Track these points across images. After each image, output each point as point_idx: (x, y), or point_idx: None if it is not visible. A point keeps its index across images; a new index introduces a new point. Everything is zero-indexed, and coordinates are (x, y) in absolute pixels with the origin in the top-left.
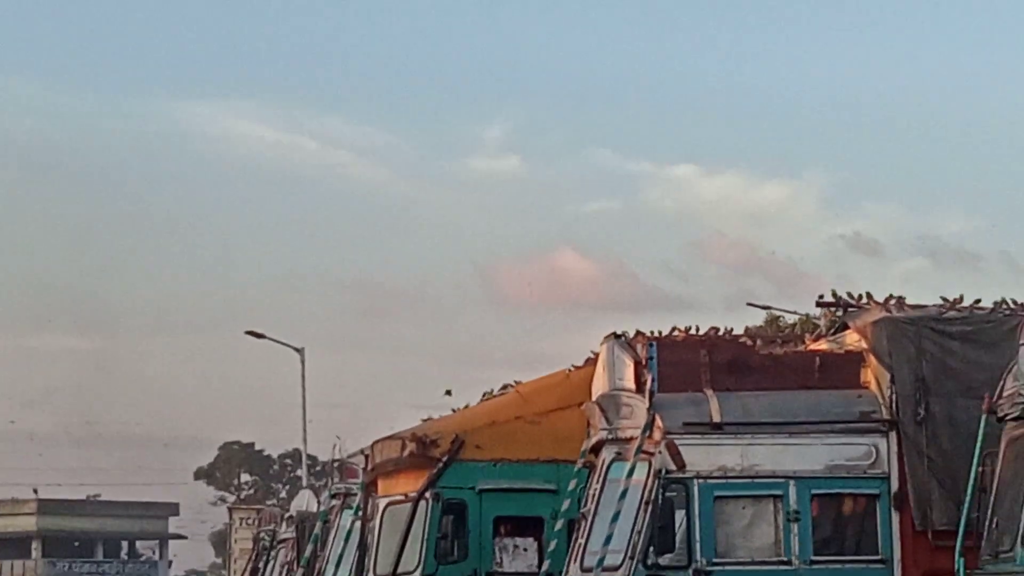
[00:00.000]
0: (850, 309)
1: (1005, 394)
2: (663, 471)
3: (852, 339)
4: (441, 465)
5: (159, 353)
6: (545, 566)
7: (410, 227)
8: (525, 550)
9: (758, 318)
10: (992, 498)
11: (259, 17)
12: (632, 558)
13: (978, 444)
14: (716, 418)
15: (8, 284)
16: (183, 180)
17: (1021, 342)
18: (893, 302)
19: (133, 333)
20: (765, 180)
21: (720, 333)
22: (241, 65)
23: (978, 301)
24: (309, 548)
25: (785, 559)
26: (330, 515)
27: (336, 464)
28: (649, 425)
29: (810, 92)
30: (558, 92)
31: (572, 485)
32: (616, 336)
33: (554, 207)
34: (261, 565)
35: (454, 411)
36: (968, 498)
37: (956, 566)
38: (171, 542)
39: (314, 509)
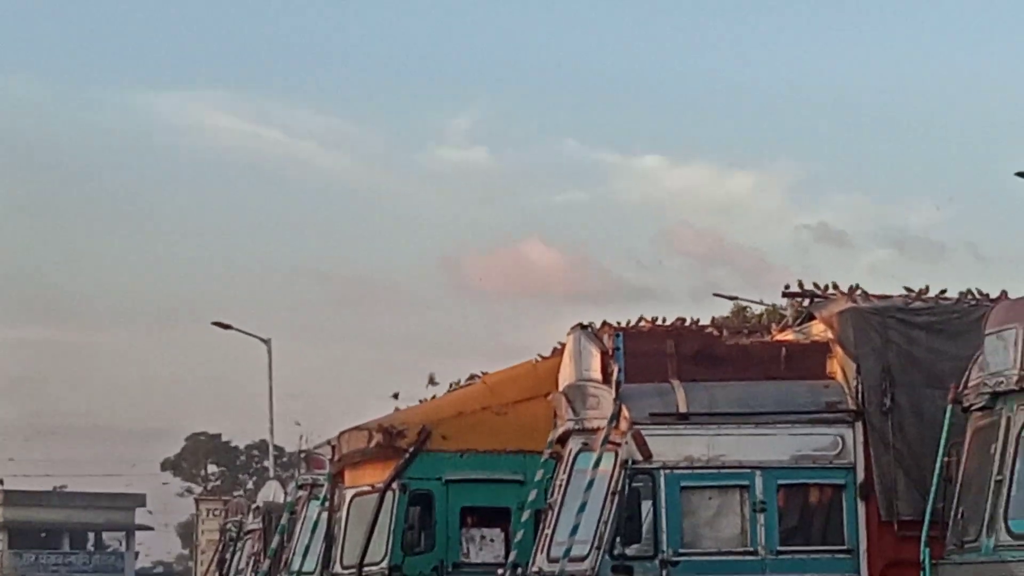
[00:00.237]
0: (816, 300)
1: (971, 384)
2: (629, 461)
3: (818, 329)
4: (408, 456)
5: (125, 344)
6: (512, 557)
7: (377, 218)
8: (492, 541)
9: (725, 309)
10: (957, 488)
11: (226, 8)
12: (599, 549)
13: (944, 434)
14: (682, 408)
15: None
16: (148, 170)
17: (986, 332)
18: (859, 293)
19: (99, 324)
20: (732, 171)
21: (687, 324)
22: (207, 55)
23: (944, 292)
24: (276, 539)
25: (751, 549)
26: (297, 506)
27: (303, 455)
28: (615, 415)
29: (777, 83)
30: (525, 83)
31: (539, 476)
32: (583, 327)
33: (521, 198)
34: (228, 556)
35: (421, 402)
36: (934, 488)
37: (921, 556)
38: (138, 533)
39: (281, 500)
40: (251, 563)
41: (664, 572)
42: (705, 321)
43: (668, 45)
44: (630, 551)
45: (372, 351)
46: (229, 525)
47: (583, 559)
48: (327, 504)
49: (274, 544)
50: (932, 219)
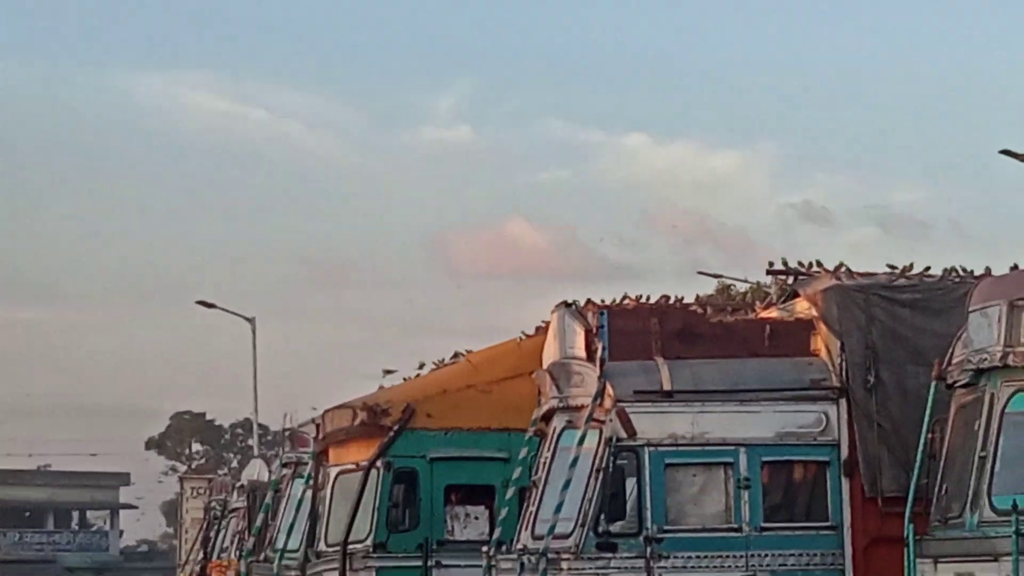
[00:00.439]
0: (800, 277)
1: (954, 361)
2: (614, 439)
3: (802, 307)
4: (392, 434)
5: (109, 323)
6: (496, 534)
7: (361, 197)
8: (476, 518)
9: (709, 287)
10: (941, 465)
11: None
12: (583, 526)
13: (927, 411)
14: (667, 386)
15: None
16: (131, 150)
17: (970, 309)
18: (843, 270)
19: (83, 303)
20: (716, 149)
21: (671, 302)
22: (190, 36)
23: (928, 269)
24: (260, 517)
25: (735, 526)
26: (281, 484)
27: (287, 433)
28: (600, 393)
29: (762, 61)
30: (509, 62)
31: (523, 453)
32: (567, 305)
33: (505, 177)
34: (212, 534)
35: (405, 380)
36: (917, 465)
37: (905, 532)
38: (122, 512)
39: (265, 478)
40: (235, 541)
41: (648, 549)
42: (689, 299)
43: (652, 24)
44: (614, 528)
45: (356, 330)
46: (213, 504)
47: (567, 536)
48: (311, 482)
49: (258, 522)
50: (915, 197)
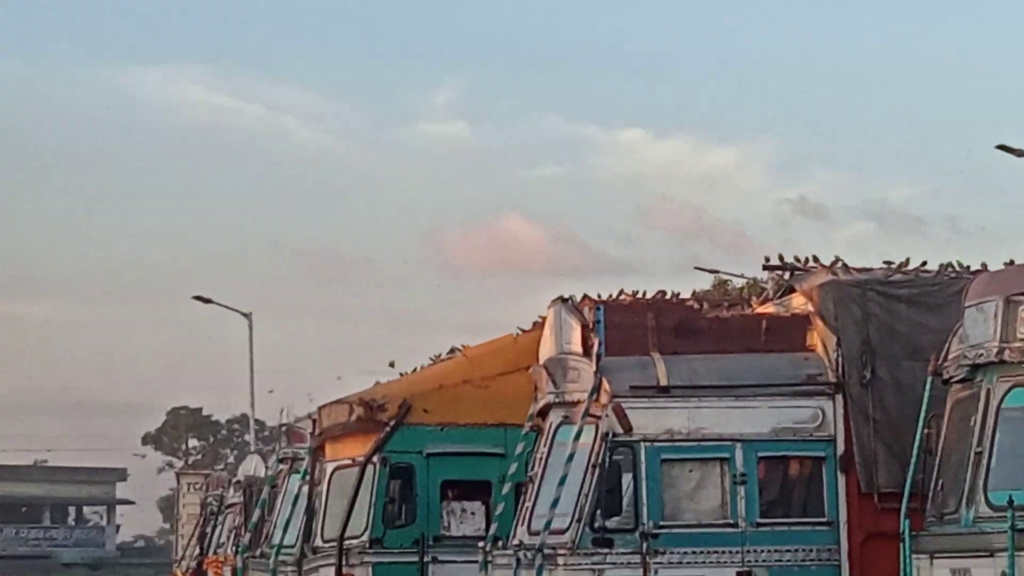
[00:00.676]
0: (797, 273)
1: (951, 356)
2: (610, 434)
3: (798, 302)
4: (388, 429)
5: (106, 318)
6: (493, 529)
7: (358, 193)
8: (473, 514)
9: (705, 282)
10: (937, 460)
11: None
12: (579, 521)
13: (924, 406)
14: (663, 381)
15: None
16: (129, 146)
17: (966, 305)
18: (839, 266)
19: (80, 298)
20: (713, 145)
21: (667, 297)
22: (188, 31)
23: (924, 264)
24: (257, 513)
25: (731, 521)
26: (278, 480)
27: (284, 429)
28: (596, 388)
29: (758, 58)
30: (506, 57)
31: (519, 449)
32: (563, 300)
33: (502, 172)
34: (209, 530)
35: (402, 375)
36: (913, 460)
37: (901, 528)
38: (119, 507)
39: (262, 474)
40: (232, 537)
41: (644, 544)
42: (686, 294)
43: (649, 20)
44: (611, 524)
45: (352, 325)
46: (210, 499)
47: (564, 532)
48: (308, 478)
49: (255, 518)
50: (911, 192)
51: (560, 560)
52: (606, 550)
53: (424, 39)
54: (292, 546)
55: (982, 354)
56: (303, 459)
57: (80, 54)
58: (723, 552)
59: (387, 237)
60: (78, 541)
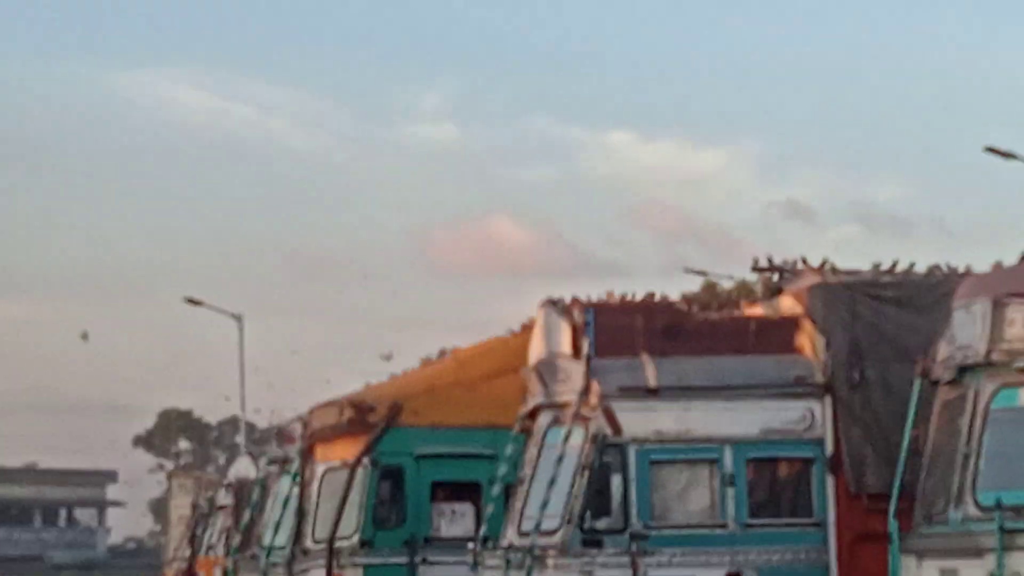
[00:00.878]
0: (785, 275)
1: (939, 358)
2: (600, 436)
3: (787, 304)
4: (378, 431)
5: (96, 320)
6: (482, 531)
7: (347, 194)
8: (463, 515)
9: (694, 284)
10: (926, 461)
11: None
12: (569, 522)
13: (912, 408)
14: (652, 383)
15: None
16: (120, 147)
17: (954, 306)
18: (828, 267)
19: (71, 300)
20: (701, 147)
21: (656, 299)
22: (178, 32)
23: (912, 266)
24: (247, 514)
25: (721, 523)
26: (268, 481)
27: (274, 430)
28: (585, 390)
29: (746, 60)
30: (495, 59)
31: (509, 450)
32: (553, 302)
33: (491, 174)
34: (199, 532)
35: (392, 377)
36: (902, 461)
37: (890, 529)
38: (110, 509)
39: (252, 475)
40: (223, 538)
41: (634, 546)
42: (675, 296)
43: (637, 22)
44: (600, 525)
45: (343, 327)
46: (201, 501)
47: (553, 533)
48: (298, 479)
49: (245, 519)
50: (899, 194)
51: (550, 561)
52: (596, 551)
53: (413, 41)
54: (283, 548)
55: (970, 355)
56: (293, 461)
57: (70, 56)
58: (712, 553)
59: (377, 238)
60: (69, 543)
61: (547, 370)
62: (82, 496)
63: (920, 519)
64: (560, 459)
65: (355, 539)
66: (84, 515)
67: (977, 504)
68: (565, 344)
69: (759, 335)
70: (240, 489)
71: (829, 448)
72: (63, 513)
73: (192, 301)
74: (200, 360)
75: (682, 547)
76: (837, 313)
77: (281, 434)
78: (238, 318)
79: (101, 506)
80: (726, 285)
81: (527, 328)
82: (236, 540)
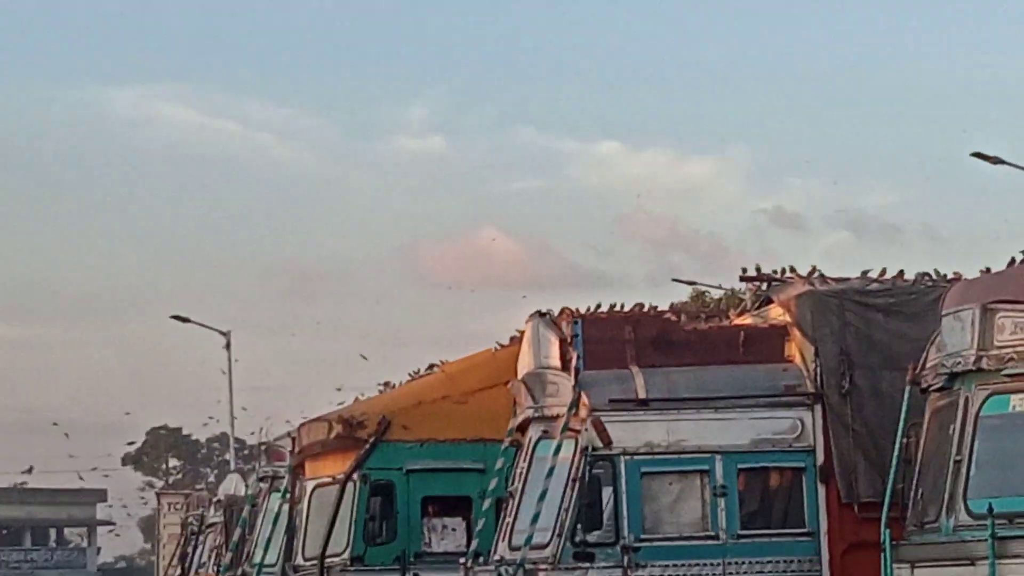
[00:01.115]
0: (774, 283)
1: (928, 365)
2: (589, 448)
3: (776, 313)
4: (368, 446)
5: (83, 339)
6: (474, 545)
7: (334, 208)
8: (454, 530)
9: (683, 294)
10: (917, 469)
11: (181, 1)
12: (560, 536)
13: (902, 415)
14: (642, 394)
15: None
16: (105, 165)
17: (943, 313)
18: (816, 276)
19: (56, 318)
20: (689, 156)
21: (645, 309)
22: (162, 49)
23: (901, 273)
24: (237, 532)
25: (712, 534)
26: (258, 498)
27: (263, 447)
28: (575, 402)
29: (733, 68)
30: (481, 71)
31: (499, 464)
32: (541, 314)
33: (478, 186)
34: (190, 550)
35: (381, 391)
36: (893, 469)
37: (882, 538)
38: (99, 528)
39: (242, 493)
40: (213, 556)
41: (626, 558)
42: (663, 307)
43: (624, 32)
44: (591, 538)
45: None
46: (191, 519)
47: (544, 546)
48: (288, 496)
49: (236, 537)
50: (888, 201)
51: (542, 575)
52: (587, 564)
53: (399, 54)
54: (273, 565)
55: (960, 362)
56: (283, 477)
57: (54, 72)
58: (704, 564)
59: (364, 252)
60: (59, 563)
61: (536, 383)
62: (72, 515)
63: (912, 527)
64: (550, 472)
65: (346, 555)
66: (73, 535)
67: (969, 511)
68: (554, 357)
69: (748, 345)
70: (230, 507)
71: (820, 457)
72: (53, 533)
73: (179, 318)
74: (188, 378)
75: (674, 559)
76: (826, 321)
77: (271, 451)
78: (226, 334)
79: (91, 525)
80: (715, 295)
81: (515, 341)
82: (227, 558)
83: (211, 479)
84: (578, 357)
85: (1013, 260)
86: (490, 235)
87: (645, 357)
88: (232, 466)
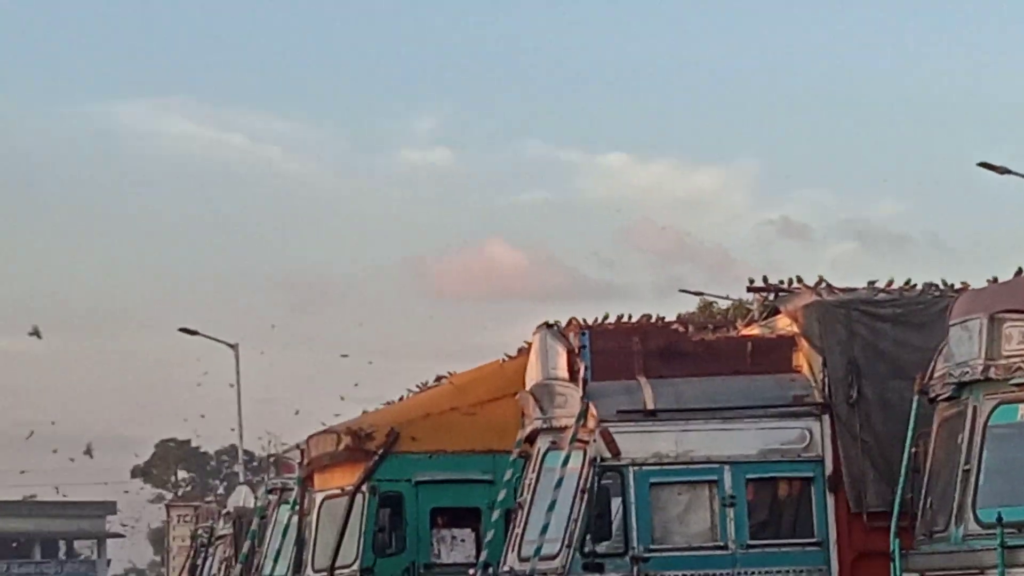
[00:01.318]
0: (781, 294)
1: (936, 375)
2: (598, 459)
3: (784, 323)
4: (377, 458)
5: (92, 352)
6: (483, 557)
7: (341, 221)
8: (463, 541)
9: (690, 305)
10: (925, 478)
11: (188, 15)
12: (569, 547)
13: (911, 425)
14: (650, 405)
15: None
16: (112, 178)
17: (951, 323)
18: (824, 286)
19: (65, 332)
20: (695, 167)
21: (652, 320)
22: (170, 63)
23: (908, 283)
24: (247, 544)
25: (721, 544)
26: (267, 511)
27: (272, 459)
28: (583, 413)
29: (740, 79)
30: (487, 84)
31: (508, 475)
32: (548, 325)
33: (485, 198)
34: (199, 562)
35: (389, 403)
36: (902, 479)
37: (891, 547)
38: (109, 541)
39: (251, 505)
40: (223, 568)
41: (635, 569)
42: (671, 317)
43: (631, 43)
44: (600, 548)
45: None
46: (200, 531)
47: (554, 557)
48: (297, 508)
49: (245, 549)
50: (894, 211)
51: None
52: (597, 575)
53: (405, 67)
54: None
55: (967, 372)
56: (292, 489)
57: (63, 88)
58: (713, 574)
59: (371, 264)
60: (69, 575)
61: (544, 394)
62: (82, 528)
63: (921, 536)
64: (559, 483)
65: (355, 567)
66: (84, 547)
67: (978, 521)
68: (562, 368)
69: (756, 355)
70: (239, 519)
71: (829, 467)
72: (63, 545)
73: (187, 331)
74: (197, 390)
75: (683, 569)
76: (834, 331)
77: (280, 463)
78: (234, 347)
79: (101, 538)
80: (722, 305)
81: (524, 352)
82: (236, 570)
83: (220, 491)
84: (586, 368)
85: (1020, 270)
86: (497, 247)
87: (653, 368)
88: (241, 478)
